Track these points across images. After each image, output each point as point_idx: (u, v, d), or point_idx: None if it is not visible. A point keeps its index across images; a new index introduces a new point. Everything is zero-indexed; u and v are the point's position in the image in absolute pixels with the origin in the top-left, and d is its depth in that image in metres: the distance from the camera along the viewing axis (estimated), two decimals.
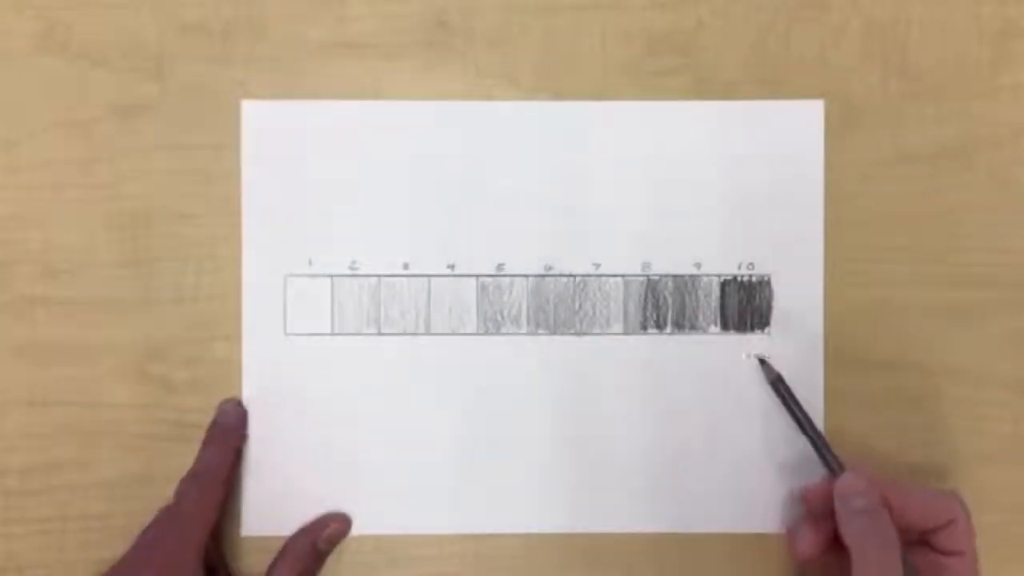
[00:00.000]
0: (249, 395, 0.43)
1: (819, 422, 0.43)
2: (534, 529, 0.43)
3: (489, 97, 0.44)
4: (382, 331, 0.44)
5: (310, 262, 0.44)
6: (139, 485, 0.43)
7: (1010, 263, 0.44)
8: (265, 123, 0.44)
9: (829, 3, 0.44)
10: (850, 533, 0.38)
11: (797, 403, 0.42)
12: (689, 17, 0.44)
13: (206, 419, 0.43)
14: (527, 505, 0.43)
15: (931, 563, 0.39)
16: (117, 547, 0.40)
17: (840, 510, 0.39)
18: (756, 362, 0.43)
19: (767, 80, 0.44)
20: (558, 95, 0.44)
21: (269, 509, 0.43)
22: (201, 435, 0.43)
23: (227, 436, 0.43)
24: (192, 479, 0.41)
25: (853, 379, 0.43)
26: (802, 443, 0.42)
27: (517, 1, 0.44)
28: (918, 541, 0.40)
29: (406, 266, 0.44)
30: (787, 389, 0.43)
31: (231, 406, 0.43)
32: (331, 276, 0.44)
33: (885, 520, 0.38)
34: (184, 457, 0.43)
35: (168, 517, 0.40)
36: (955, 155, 0.44)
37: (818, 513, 0.40)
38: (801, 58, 0.44)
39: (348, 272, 0.44)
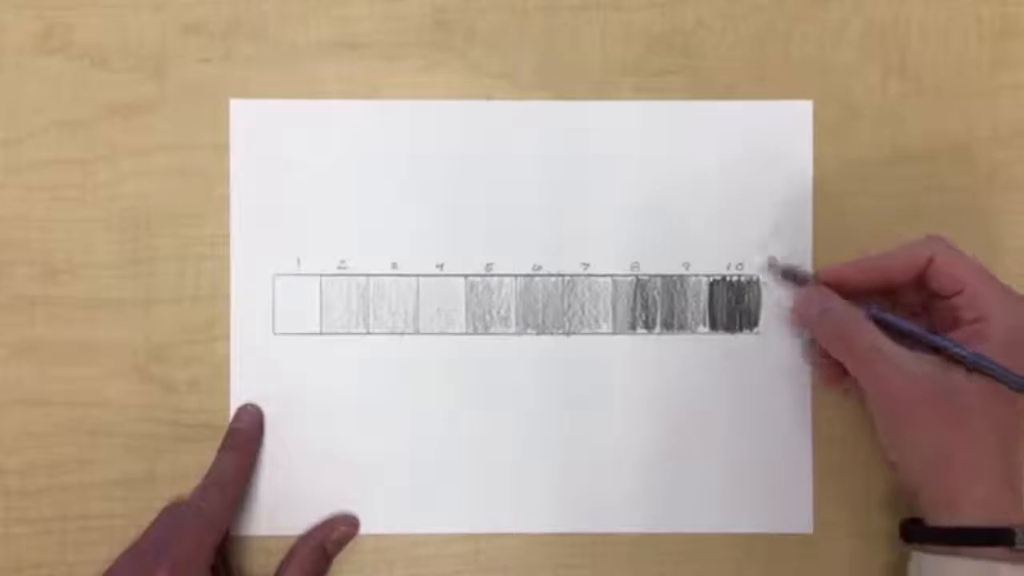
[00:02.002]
0: (238, 394, 0.43)
1: (807, 422, 0.43)
2: (524, 529, 0.43)
3: (489, 97, 0.44)
4: (371, 331, 0.44)
5: (299, 261, 0.44)
6: (139, 485, 0.43)
7: (1010, 263, 0.44)
8: (254, 122, 0.44)
9: (829, 3, 0.44)
10: (819, 337, 0.40)
11: (787, 267, 0.43)
12: (689, 17, 0.44)
13: (206, 419, 0.43)
14: (518, 505, 0.43)
15: (945, 316, 0.39)
16: (117, 547, 0.40)
17: (807, 325, 0.41)
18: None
19: (767, 80, 0.44)
20: (558, 95, 0.44)
21: (260, 508, 0.43)
22: (201, 435, 0.43)
23: (245, 442, 0.43)
24: (211, 483, 0.41)
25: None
26: (794, 441, 0.43)
27: (517, 1, 0.44)
28: (929, 304, 0.40)
29: (395, 265, 0.44)
30: (787, 266, 0.43)
31: (248, 412, 0.43)
32: (320, 276, 0.44)
33: (843, 311, 0.39)
34: (184, 456, 0.43)
35: (184, 518, 0.40)
36: (955, 155, 0.44)
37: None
38: (801, 58, 0.44)
39: (337, 272, 0.44)
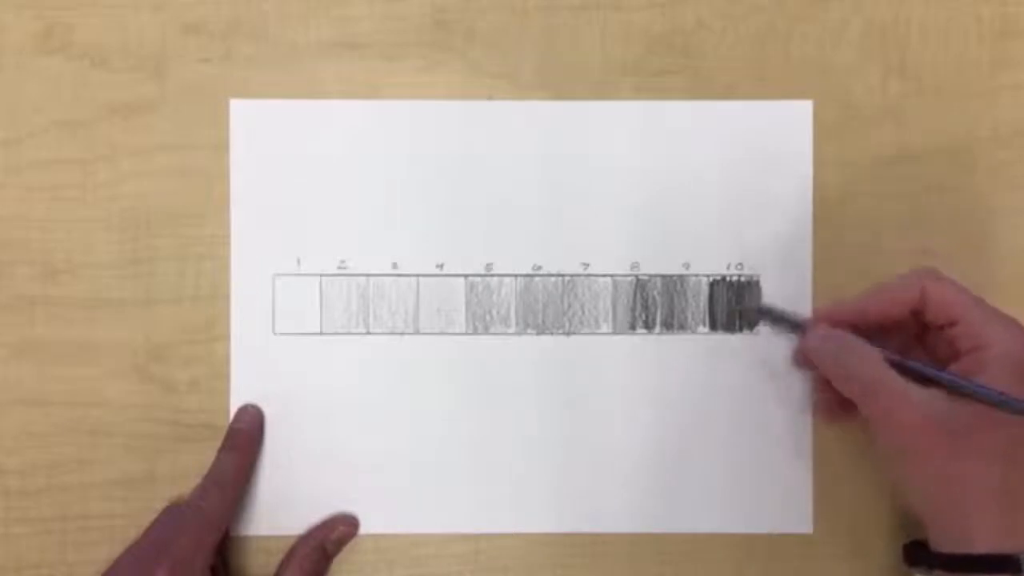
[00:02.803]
0: (238, 394, 0.43)
1: (807, 423, 0.43)
2: (524, 529, 0.43)
3: (489, 97, 0.44)
4: (371, 331, 0.44)
5: (299, 261, 0.44)
6: (139, 485, 0.43)
7: (1010, 264, 0.44)
8: (254, 122, 0.44)
9: (829, 3, 0.44)
10: (829, 374, 0.39)
11: (780, 313, 0.43)
12: (689, 17, 0.44)
13: (206, 419, 0.43)
14: (518, 505, 0.43)
15: (942, 347, 0.39)
16: (117, 547, 0.40)
17: (816, 362, 0.40)
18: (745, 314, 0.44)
19: (767, 80, 0.44)
20: (558, 95, 0.44)
21: (260, 508, 0.43)
22: (201, 435, 0.43)
23: (245, 442, 0.43)
24: (211, 483, 0.41)
25: None
26: (794, 442, 0.43)
27: (517, 1, 0.44)
28: (924, 335, 0.40)
29: (395, 265, 0.44)
30: (770, 309, 0.43)
31: (248, 412, 0.43)
32: (320, 276, 0.44)
33: (853, 347, 0.38)
34: (184, 456, 0.43)
35: (184, 518, 0.40)
36: (955, 155, 0.44)
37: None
38: (801, 58, 0.44)
39: (337, 272, 0.44)
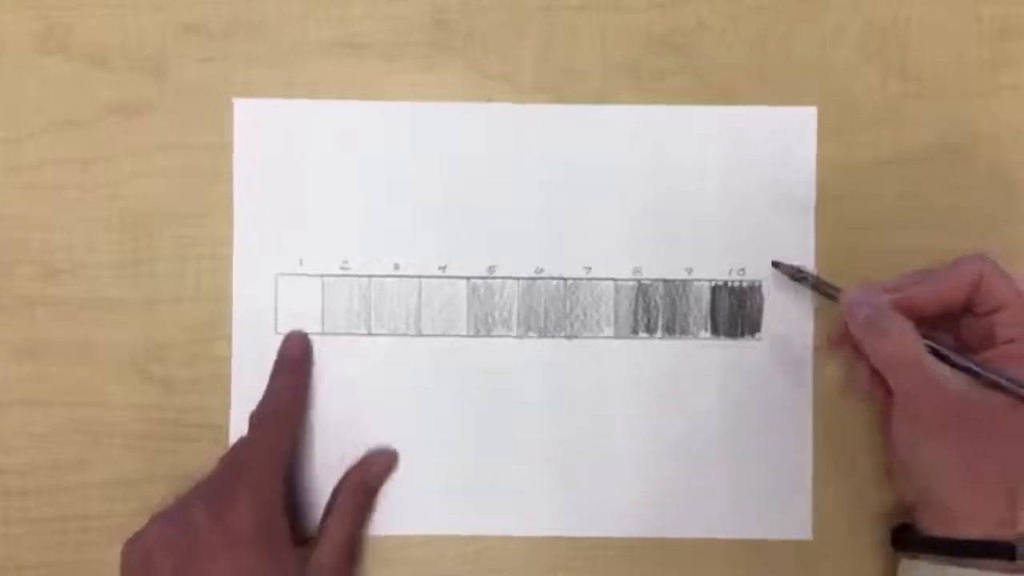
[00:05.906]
0: (238, 394, 0.43)
1: (807, 430, 0.43)
2: (523, 532, 0.43)
3: (489, 98, 0.44)
4: (372, 331, 0.44)
5: (301, 262, 0.44)
6: (139, 485, 0.43)
7: (1009, 264, 0.44)
8: (257, 121, 0.44)
9: (829, 3, 0.44)
10: (863, 340, 0.38)
11: (815, 276, 0.42)
12: (689, 18, 0.44)
13: (206, 419, 0.43)
14: (518, 507, 0.43)
15: (978, 332, 0.39)
16: (117, 547, 0.39)
17: (852, 329, 0.39)
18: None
19: (767, 81, 0.44)
20: (558, 95, 0.44)
21: None
22: (201, 435, 0.43)
23: (295, 367, 0.43)
24: (267, 412, 0.41)
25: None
26: (794, 447, 0.43)
27: (517, 1, 0.44)
28: (956, 318, 0.40)
29: (397, 267, 0.44)
30: (807, 274, 0.42)
31: (296, 338, 0.43)
32: (322, 276, 0.44)
33: (893, 319, 0.38)
34: (184, 457, 0.43)
35: (250, 449, 0.40)
36: (955, 155, 0.44)
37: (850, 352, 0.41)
38: (801, 59, 0.44)
39: (339, 272, 0.44)
